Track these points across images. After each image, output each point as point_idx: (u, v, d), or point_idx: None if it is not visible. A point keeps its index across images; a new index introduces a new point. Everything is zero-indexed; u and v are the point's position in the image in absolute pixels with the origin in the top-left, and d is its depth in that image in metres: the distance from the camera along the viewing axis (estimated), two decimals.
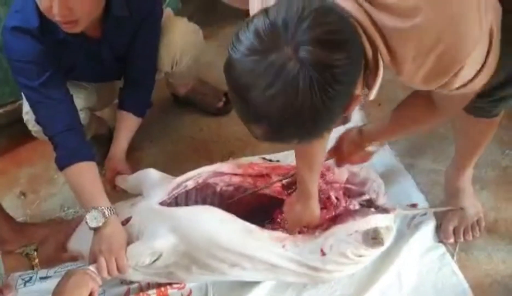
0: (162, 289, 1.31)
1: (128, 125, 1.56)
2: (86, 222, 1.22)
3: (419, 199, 1.46)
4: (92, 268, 1.17)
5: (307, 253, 1.22)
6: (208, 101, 1.87)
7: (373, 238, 1.21)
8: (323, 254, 1.22)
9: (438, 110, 1.05)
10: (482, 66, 0.84)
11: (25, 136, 1.61)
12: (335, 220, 1.29)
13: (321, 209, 1.29)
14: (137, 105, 1.57)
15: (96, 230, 1.23)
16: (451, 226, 1.36)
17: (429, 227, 1.38)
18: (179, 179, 1.35)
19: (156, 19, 1.52)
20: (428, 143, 1.62)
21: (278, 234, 1.24)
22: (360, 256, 1.23)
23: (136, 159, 1.70)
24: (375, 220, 1.24)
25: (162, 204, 1.30)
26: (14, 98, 1.74)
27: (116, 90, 1.61)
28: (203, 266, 1.21)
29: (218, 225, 1.22)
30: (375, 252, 1.25)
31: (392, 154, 1.61)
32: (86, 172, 1.32)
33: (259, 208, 1.37)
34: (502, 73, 0.99)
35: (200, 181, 1.35)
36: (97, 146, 1.64)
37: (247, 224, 1.23)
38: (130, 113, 1.56)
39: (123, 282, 1.34)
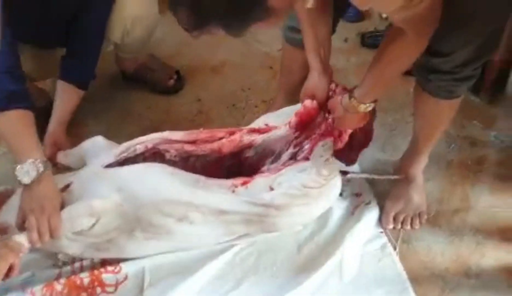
0: (96, 272, 1.24)
1: (69, 97, 1.48)
2: (16, 177, 1.12)
3: (365, 188, 1.46)
4: (16, 238, 1.08)
5: (256, 193, 1.20)
6: (157, 79, 1.80)
7: (321, 156, 1.21)
8: (272, 189, 1.20)
9: (409, 38, 1.01)
10: None
11: None
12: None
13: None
14: (80, 76, 1.49)
15: (27, 186, 1.13)
16: (393, 212, 1.37)
17: (372, 216, 1.38)
18: (127, 143, 1.29)
19: None
20: (376, 133, 1.62)
21: (227, 181, 1.22)
22: (307, 187, 1.19)
23: (78, 135, 1.61)
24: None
25: (108, 166, 1.23)
26: None
27: (59, 60, 1.51)
28: (148, 226, 1.17)
29: (165, 177, 1.18)
30: (321, 183, 1.20)
31: None
32: (23, 120, 1.21)
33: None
34: (466, 52, 1.04)
35: (149, 146, 1.29)
36: (36, 120, 1.55)
37: (194, 175, 1.20)
38: (71, 85, 1.47)
39: (55, 264, 1.28)
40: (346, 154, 1.32)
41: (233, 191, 1.19)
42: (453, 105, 1.21)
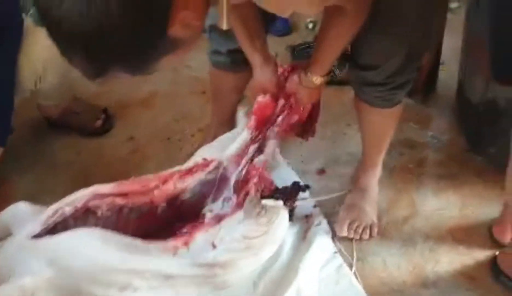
0: None
1: None
2: None
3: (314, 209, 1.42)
4: None
5: (199, 252, 1.14)
6: (84, 121, 1.70)
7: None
8: (214, 247, 1.14)
9: (347, 18, 1.00)
10: None
11: None
12: (224, 217, 1.23)
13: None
14: None
15: None
16: (347, 220, 1.34)
17: (324, 237, 1.35)
18: (54, 206, 1.18)
19: (15, 29, 1.34)
20: (317, 146, 1.60)
21: (166, 243, 1.14)
22: (249, 237, 1.15)
23: (4, 194, 1.49)
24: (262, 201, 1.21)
25: (35, 237, 1.12)
26: None
27: None
28: None
29: (100, 245, 1.08)
30: (265, 232, 1.17)
31: (284, 162, 1.57)
32: None
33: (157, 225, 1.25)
34: (395, 61, 1.05)
35: (79, 205, 1.19)
36: None
37: (131, 239, 1.11)
38: None
39: None
40: (308, 129, 1.36)
41: (175, 254, 1.12)
42: (395, 112, 1.21)
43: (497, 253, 1.26)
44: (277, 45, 2.00)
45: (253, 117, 1.27)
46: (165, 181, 1.25)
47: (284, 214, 1.24)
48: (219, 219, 1.23)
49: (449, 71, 1.68)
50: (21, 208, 1.20)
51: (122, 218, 1.23)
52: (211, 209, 1.31)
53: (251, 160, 1.31)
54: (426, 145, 1.58)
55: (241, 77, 1.41)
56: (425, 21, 1.06)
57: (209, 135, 1.57)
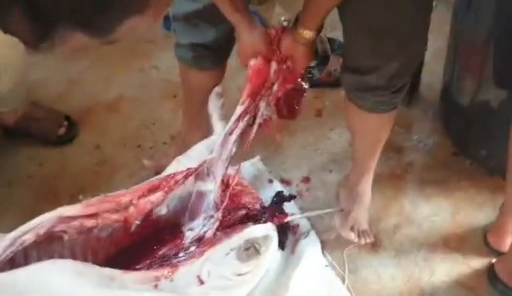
0: None
1: None
2: None
3: (293, 209, 1.35)
4: None
5: (184, 285, 1.05)
6: (45, 129, 1.55)
7: (245, 249, 1.11)
8: (202, 282, 1.05)
9: None
10: None
11: None
12: (209, 245, 1.14)
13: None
14: None
15: None
16: (349, 225, 1.27)
17: (314, 250, 1.28)
18: (13, 234, 1.04)
19: None
20: (300, 153, 1.52)
21: (147, 273, 1.05)
22: (241, 274, 1.10)
23: None
24: (250, 232, 1.13)
25: None
26: None
27: None
28: None
29: (71, 279, 0.97)
30: (256, 265, 1.12)
31: (265, 169, 1.48)
32: None
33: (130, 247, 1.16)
34: (398, 61, 1.00)
35: (42, 232, 1.05)
36: None
37: (107, 270, 1.00)
38: None
39: None
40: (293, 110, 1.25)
41: (156, 286, 1.01)
42: (393, 116, 1.15)
43: (493, 260, 1.22)
44: None
45: (248, 87, 1.15)
46: (140, 196, 1.14)
47: (274, 237, 1.17)
48: (202, 245, 1.15)
49: (431, 72, 1.63)
50: None
51: (92, 238, 1.11)
52: (191, 228, 1.21)
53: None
54: (412, 148, 1.52)
55: (206, 76, 1.30)
56: (422, 18, 1.01)
57: (179, 138, 1.47)
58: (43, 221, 1.06)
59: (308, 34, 1.03)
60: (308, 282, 1.22)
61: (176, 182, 1.19)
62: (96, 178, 1.47)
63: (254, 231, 1.13)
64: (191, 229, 1.22)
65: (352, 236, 1.26)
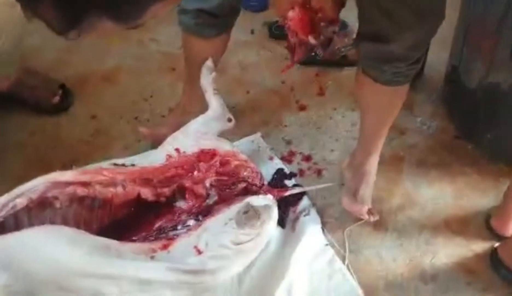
0: None
1: None
2: None
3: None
4: None
5: (181, 256, 1.02)
6: (39, 97, 1.50)
7: (244, 212, 1.07)
8: (199, 252, 1.03)
9: None
10: None
11: None
12: (206, 215, 1.13)
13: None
14: None
15: None
16: (358, 205, 1.24)
17: (314, 228, 1.25)
18: (4, 198, 1.00)
19: None
20: (302, 131, 1.49)
21: (143, 245, 1.02)
22: (240, 243, 1.06)
23: None
24: (250, 201, 1.09)
25: None
26: None
27: None
28: None
29: (66, 246, 0.93)
30: (257, 234, 1.07)
31: (265, 146, 1.45)
32: None
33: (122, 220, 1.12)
34: (412, 33, 0.96)
35: (34, 196, 1.01)
36: None
37: (103, 239, 0.97)
38: None
39: None
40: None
41: (152, 257, 0.98)
42: (405, 91, 1.13)
43: (496, 245, 1.20)
44: (253, 22, 1.87)
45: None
46: (131, 181, 1.11)
47: (275, 209, 1.13)
48: (200, 218, 1.12)
49: (435, 55, 1.60)
50: None
51: (85, 208, 1.07)
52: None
53: None
54: (415, 131, 1.49)
55: (209, 45, 1.27)
56: None
57: (179, 108, 1.43)
58: (36, 185, 1.02)
59: None
60: (308, 260, 1.20)
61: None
62: (90, 149, 1.43)
63: (255, 200, 1.09)
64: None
65: (364, 212, 1.23)
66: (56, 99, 1.51)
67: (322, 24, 1.03)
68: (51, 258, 0.91)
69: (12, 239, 0.94)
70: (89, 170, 1.10)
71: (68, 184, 1.05)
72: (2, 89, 1.45)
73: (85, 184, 1.07)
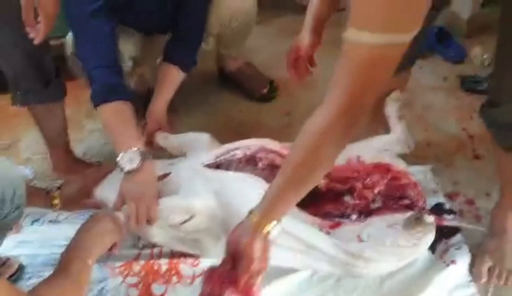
0: (175, 261, 1.23)
1: (172, 79, 1.49)
2: (118, 165, 1.13)
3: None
4: (120, 216, 1.09)
5: (345, 239, 1.19)
6: (252, 85, 1.82)
7: (416, 218, 1.17)
8: (361, 240, 1.18)
9: None
10: None
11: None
12: (372, 213, 1.27)
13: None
14: (183, 59, 1.51)
15: (129, 173, 1.14)
16: (486, 266, 1.28)
17: (463, 261, 1.29)
18: (229, 145, 1.30)
19: None
20: (473, 179, 1.55)
21: (314, 219, 1.21)
22: (400, 246, 1.18)
23: (172, 123, 1.62)
24: (422, 213, 1.20)
25: (207, 166, 1.23)
26: (59, 34, 1.67)
27: (161, 47, 1.55)
28: None
29: (258, 196, 1.11)
30: (413, 242, 1.18)
31: (432, 179, 1.53)
32: (123, 111, 1.23)
33: None
34: None
35: (248, 153, 1.29)
36: (135, 104, 1.58)
37: None
38: (175, 67, 1.49)
39: (135, 245, 1.27)
40: None
41: (327, 233, 1.18)
42: None
43: None
44: (448, 70, 1.97)
45: None
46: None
47: (433, 231, 1.23)
48: (364, 216, 1.27)
49: None
50: (203, 137, 1.31)
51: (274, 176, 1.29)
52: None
53: None
54: None
55: None
56: None
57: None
58: (250, 145, 1.29)
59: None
60: (449, 288, 1.26)
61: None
62: (279, 138, 1.64)
63: (425, 214, 1.19)
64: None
65: (484, 278, 1.26)
66: (265, 90, 1.81)
67: None
68: (247, 199, 1.10)
69: (226, 175, 1.20)
70: (289, 146, 1.30)
71: (273, 151, 1.30)
72: (229, 68, 1.80)
73: (283, 156, 1.30)
